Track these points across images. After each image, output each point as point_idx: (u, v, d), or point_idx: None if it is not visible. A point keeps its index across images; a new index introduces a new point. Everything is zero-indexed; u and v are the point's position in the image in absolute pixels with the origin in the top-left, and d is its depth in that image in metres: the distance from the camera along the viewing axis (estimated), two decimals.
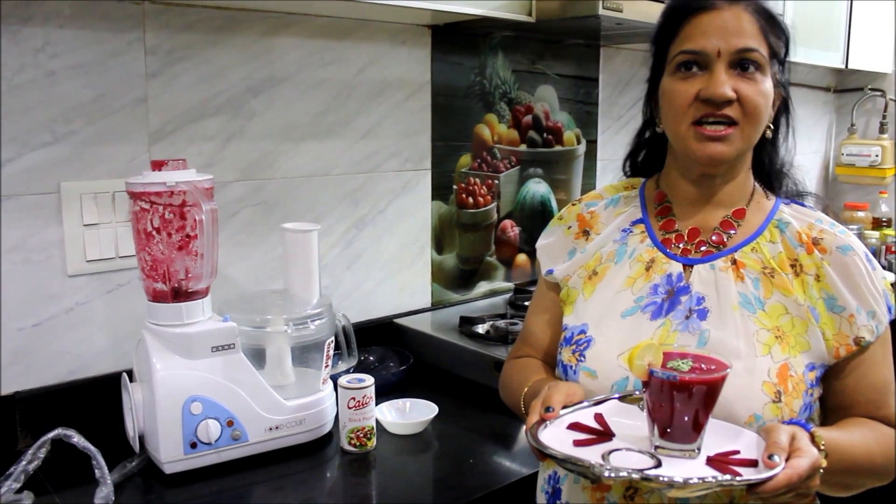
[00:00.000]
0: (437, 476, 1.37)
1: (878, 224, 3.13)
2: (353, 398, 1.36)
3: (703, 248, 1.10)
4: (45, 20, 1.34)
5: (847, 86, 3.40)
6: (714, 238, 1.10)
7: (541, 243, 1.25)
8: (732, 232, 1.10)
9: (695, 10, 1.05)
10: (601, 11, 1.64)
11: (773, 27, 1.05)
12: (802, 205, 1.14)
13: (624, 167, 1.26)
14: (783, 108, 1.12)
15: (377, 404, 1.44)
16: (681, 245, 1.11)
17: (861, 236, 2.91)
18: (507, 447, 1.44)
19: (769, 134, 1.10)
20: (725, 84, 1.01)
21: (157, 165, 1.27)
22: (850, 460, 0.98)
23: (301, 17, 1.66)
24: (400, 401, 1.54)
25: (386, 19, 1.79)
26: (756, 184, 1.14)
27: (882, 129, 3.27)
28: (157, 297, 1.29)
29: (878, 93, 3.29)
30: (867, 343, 1.03)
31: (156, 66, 1.47)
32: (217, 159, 1.58)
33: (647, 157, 1.23)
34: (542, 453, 0.90)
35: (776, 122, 1.12)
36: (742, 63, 1.02)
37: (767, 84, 1.04)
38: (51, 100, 1.37)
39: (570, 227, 1.22)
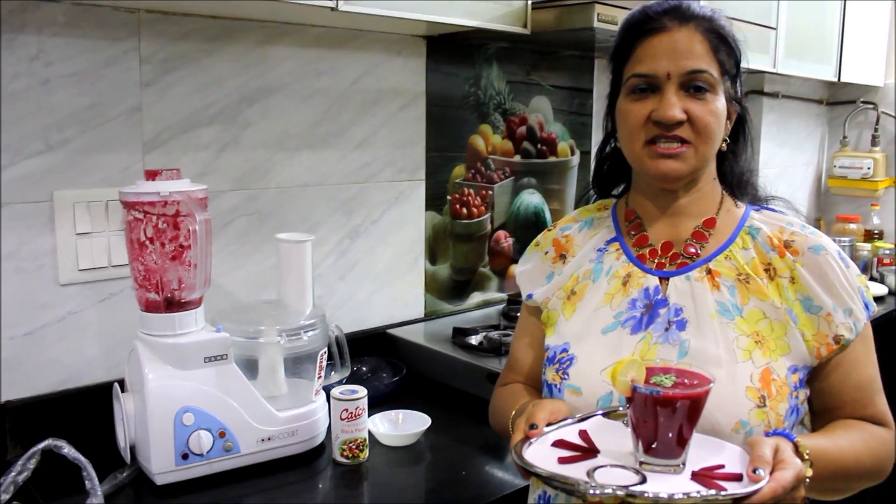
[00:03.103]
0: (429, 488, 1.37)
1: (869, 236, 3.14)
2: (346, 409, 1.36)
3: (678, 261, 1.11)
4: (39, 28, 1.34)
5: (839, 98, 3.42)
6: (689, 250, 1.11)
7: (519, 269, 1.27)
8: (705, 242, 1.11)
9: (646, 32, 1.07)
10: (596, 24, 1.65)
11: (723, 46, 1.07)
12: (773, 210, 1.15)
13: (592, 185, 1.27)
14: (739, 122, 1.14)
15: (370, 415, 1.44)
16: (655, 259, 1.12)
17: (853, 248, 2.92)
18: (500, 459, 1.44)
19: (724, 147, 1.12)
20: (675, 106, 1.03)
21: (151, 175, 1.26)
22: (838, 465, 0.98)
23: (296, 26, 1.66)
24: (393, 412, 1.53)
25: (381, 30, 1.79)
26: (724, 192, 1.15)
27: (874, 142, 3.28)
28: (149, 306, 1.29)
29: (870, 105, 3.31)
30: (847, 341, 1.04)
31: (150, 75, 1.47)
32: (211, 169, 1.58)
33: (612, 171, 1.24)
34: (527, 471, 0.90)
35: (735, 134, 1.14)
36: (692, 84, 1.04)
37: (719, 103, 1.06)
38: (45, 108, 1.36)
39: (546, 253, 1.24)
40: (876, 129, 3.28)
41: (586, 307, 1.14)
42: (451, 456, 1.44)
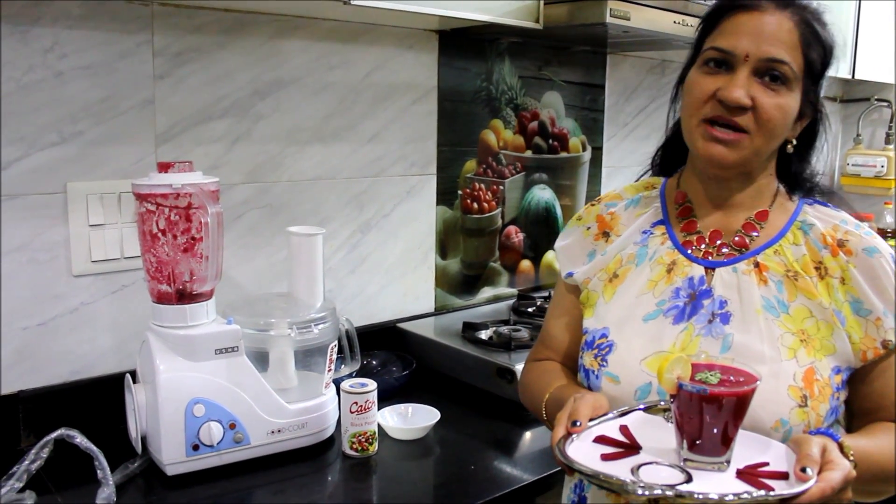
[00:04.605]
0: (438, 482, 1.37)
1: (882, 235, 3.13)
2: (356, 402, 1.36)
3: (724, 251, 1.08)
4: (54, 21, 1.35)
5: (853, 96, 3.39)
6: (736, 240, 1.08)
7: (559, 244, 1.24)
8: (755, 234, 1.08)
9: (739, 7, 1.02)
10: (608, 19, 1.64)
11: (815, 41, 1.02)
12: (826, 205, 1.11)
13: (654, 157, 1.23)
14: (813, 126, 1.09)
15: (379, 409, 1.44)
16: (702, 247, 1.10)
17: None
18: (509, 454, 1.44)
19: (791, 149, 1.08)
20: (742, 90, 0.99)
21: (164, 167, 1.27)
22: (879, 468, 0.97)
23: (309, 20, 1.66)
24: (402, 406, 1.54)
25: (393, 24, 1.79)
26: (780, 185, 1.11)
27: (888, 140, 3.26)
28: (161, 298, 1.29)
29: (885, 103, 3.28)
30: (895, 346, 1.02)
31: (164, 67, 1.48)
32: (223, 161, 1.58)
33: (676, 150, 1.18)
34: (571, 468, 0.89)
35: (807, 139, 1.09)
36: (768, 72, 1.00)
37: (790, 99, 1.01)
38: (59, 100, 1.37)
39: (589, 228, 1.21)
40: (890, 127, 3.26)
41: (628, 292, 1.11)
42: (459, 450, 1.44)
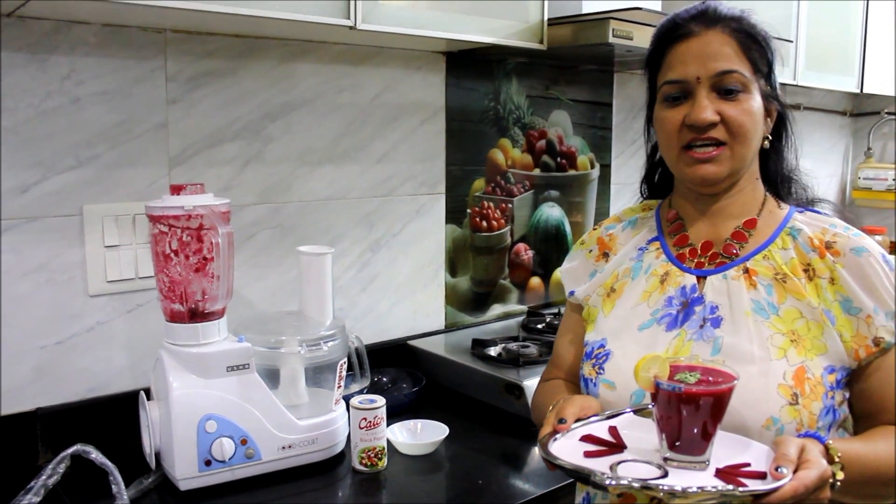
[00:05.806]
0: (447, 497, 1.39)
1: (895, 248, 3.12)
2: (365, 418, 1.38)
3: (717, 260, 1.12)
4: (71, 49, 1.39)
5: (863, 109, 3.40)
6: (729, 250, 1.12)
7: (564, 268, 1.30)
8: (745, 242, 1.12)
9: (675, 39, 1.09)
10: (611, 39, 1.66)
11: (754, 44, 1.08)
12: (817, 212, 1.15)
13: (641, 189, 1.30)
14: (781, 118, 1.14)
15: (389, 425, 1.46)
16: (695, 259, 1.14)
17: None
18: (518, 469, 1.45)
19: (767, 145, 1.13)
20: (707, 109, 1.04)
21: (176, 189, 1.30)
22: (874, 470, 0.97)
23: (318, 44, 1.70)
24: (411, 422, 1.55)
25: (401, 46, 1.82)
26: (767, 193, 1.16)
27: None
28: (174, 317, 1.32)
29: (895, 116, 3.28)
30: (888, 344, 1.03)
31: (177, 92, 1.52)
32: (235, 183, 1.62)
33: (662, 177, 1.26)
34: (552, 463, 0.92)
35: (777, 132, 1.14)
36: (723, 86, 1.05)
37: (753, 102, 1.07)
38: (75, 125, 1.41)
39: (591, 251, 1.27)
40: None
41: (624, 304, 1.16)
42: (468, 465, 1.45)
